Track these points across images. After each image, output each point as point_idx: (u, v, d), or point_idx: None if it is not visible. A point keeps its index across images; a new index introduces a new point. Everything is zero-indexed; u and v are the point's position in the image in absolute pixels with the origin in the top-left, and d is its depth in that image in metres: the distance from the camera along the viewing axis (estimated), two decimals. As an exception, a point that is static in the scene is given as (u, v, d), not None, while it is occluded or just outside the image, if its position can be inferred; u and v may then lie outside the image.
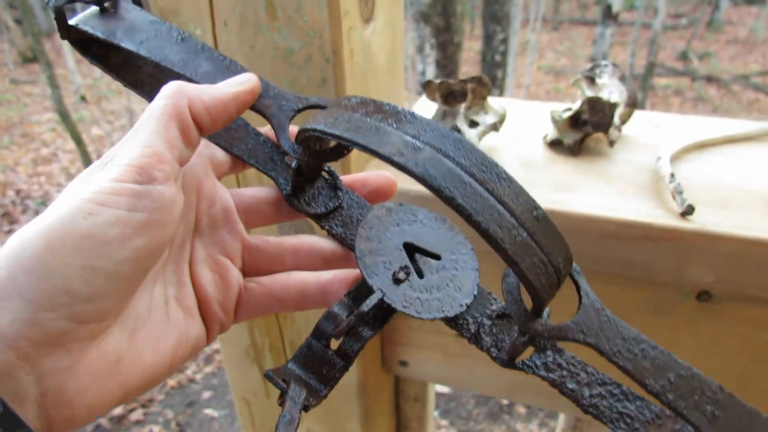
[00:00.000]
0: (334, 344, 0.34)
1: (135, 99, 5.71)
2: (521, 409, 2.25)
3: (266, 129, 0.40)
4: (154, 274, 0.32)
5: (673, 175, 0.49)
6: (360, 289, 0.34)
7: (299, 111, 0.36)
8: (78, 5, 0.36)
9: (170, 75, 0.34)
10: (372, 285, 0.33)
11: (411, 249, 0.36)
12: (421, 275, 0.35)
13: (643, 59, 8.39)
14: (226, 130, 0.38)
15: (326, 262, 0.37)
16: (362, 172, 0.41)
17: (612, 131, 0.57)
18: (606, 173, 0.54)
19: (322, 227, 0.38)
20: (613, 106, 0.55)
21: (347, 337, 0.34)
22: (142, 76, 0.39)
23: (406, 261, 0.36)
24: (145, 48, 0.35)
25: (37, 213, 4.35)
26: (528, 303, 0.30)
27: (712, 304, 0.50)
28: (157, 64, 0.35)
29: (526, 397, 0.62)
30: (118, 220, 0.26)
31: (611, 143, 0.57)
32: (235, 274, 0.36)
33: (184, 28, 0.49)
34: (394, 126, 0.28)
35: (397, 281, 0.34)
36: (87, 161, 4.19)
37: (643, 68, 7.74)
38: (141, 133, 0.28)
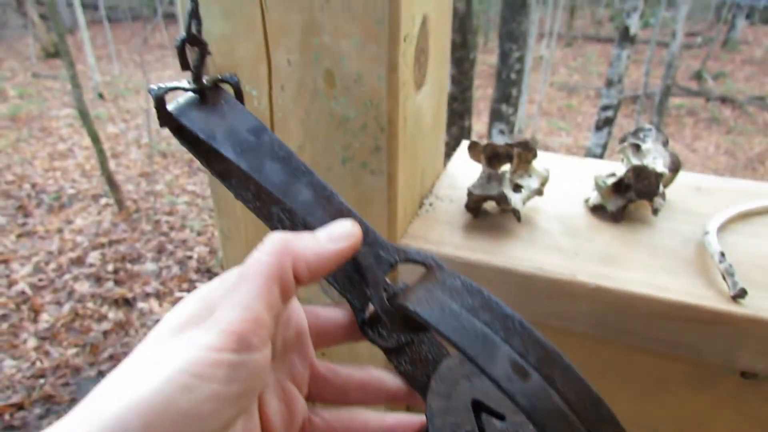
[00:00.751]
0: None
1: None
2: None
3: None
4: None
5: (723, 255, 0.49)
6: None
7: (397, 265, 0.35)
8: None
9: (263, 189, 0.34)
10: None
11: (478, 407, 0.35)
12: None
13: (657, 78, 8.38)
14: None
15: (390, 398, 0.37)
16: None
17: (656, 199, 0.57)
18: (651, 245, 0.54)
19: (391, 361, 0.37)
20: (659, 176, 0.55)
21: None
22: (231, 169, 0.38)
23: (473, 424, 0.34)
24: (245, 160, 0.34)
25: (50, 208, 4.40)
26: None
27: (758, 382, 0.50)
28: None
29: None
30: (215, 395, 0.25)
31: (655, 211, 0.57)
32: (301, 404, 0.34)
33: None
34: (502, 335, 0.27)
35: None
36: (102, 159, 4.22)
37: (656, 87, 7.72)
38: (242, 292, 0.27)
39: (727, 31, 12.69)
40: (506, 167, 0.59)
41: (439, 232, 0.55)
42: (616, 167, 0.61)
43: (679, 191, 0.63)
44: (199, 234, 4.23)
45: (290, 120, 0.50)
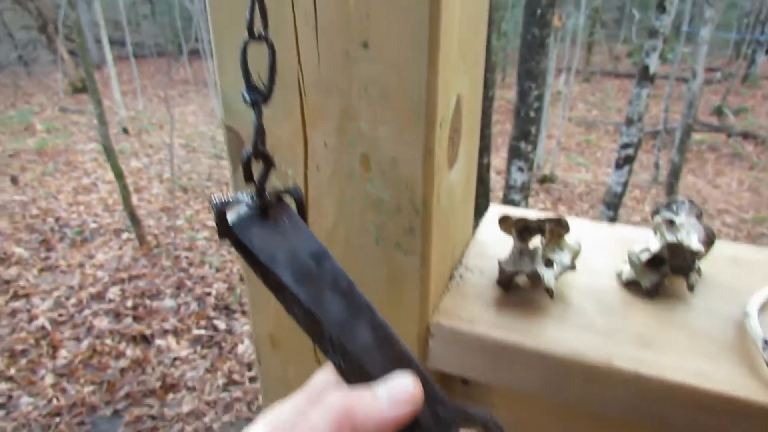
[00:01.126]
0: None
1: (174, 133, 5.85)
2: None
3: None
4: None
5: (766, 342, 0.47)
6: None
7: (457, 429, 0.33)
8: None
9: (318, 322, 0.32)
10: None
11: None
12: None
13: (675, 113, 8.35)
14: None
15: None
16: None
17: (692, 275, 0.56)
18: (688, 326, 0.52)
19: None
20: (695, 254, 0.54)
21: None
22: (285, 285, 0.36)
23: None
24: (304, 291, 0.32)
25: (73, 242, 4.46)
26: None
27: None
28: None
29: None
30: None
31: (691, 287, 0.56)
32: None
33: (277, 168, 0.50)
34: None
35: None
36: (125, 194, 4.28)
37: (676, 122, 7.69)
38: None
39: (747, 66, 12.67)
40: (537, 239, 0.58)
41: (471, 308, 0.55)
42: (648, 238, 0.60)
43: (715, 263, 0.62)
44: (218, 270, 4.25)
45: (324, 199, 0.50)
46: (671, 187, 5.13)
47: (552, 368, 0.49)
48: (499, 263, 0.56)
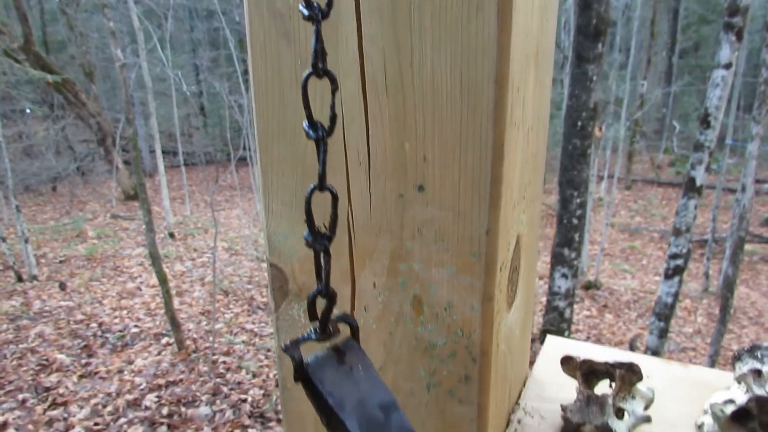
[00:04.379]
0: None
1: (218, 237, 5.99)
2: None
3: None
4: None
5: None
6: None
7: None
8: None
9: None
10: None
11: None
12: None
13: (723, 222, 8.16)
14: None
15: None
16: None
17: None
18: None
19: None
20: (788, 410, 0.48)
21: None
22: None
23: None
24: None
25: (114, 348, 4.47)
26: None
27: None
28: None
29: None
30: None
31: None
32: None
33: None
34: None
35: None
36: (167, 299, 4.32)
37: (723, 232, 7.49)
38: None
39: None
40: (604, 384, 0.53)
41: (533, 463, 0.49)
42: (729, 385, 0.54)
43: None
44: (254, 376, 4.17)
45: (372, 340, 0.47)
46: (726, 300, 4.92)
47: None
48: (564, 412, 0.51)
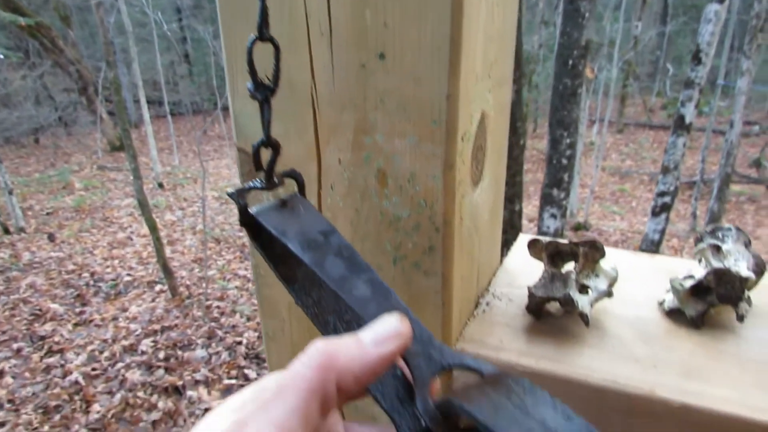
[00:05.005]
0: None
1: (207, 187, 5.96)
2: None
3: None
4: None
5: (828, 373, 0.42)
6: None
7: (451, 371, 0.32)
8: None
9: (323, 286, 0.34)
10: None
11: None
12: None
13: (712, 164, 8.20)
14: None
15: None
16: None
17: (741, 305, 0.51)
18: (739, 356, 0.48)
19: None
20: (743, 281, 0.50)
21: None
22: (297, 274, 0.38)
23: None
24: (309, 255, 0.34)
25: (107, 296, 4.51)
26: None
27: None
28: (315, 273, 0.34)
29: None
30: None
31: (740, 318, 0.51)
32: None
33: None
34: None
35: None
36: (159, 247, 4.34)
37: (712, 173, 7.53)
38: (278, 409, 0.25)
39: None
40: (570, 265, 0.54)
41: (498, 336, 0.51)
42: (691, 267, 0.56)
43: (766, 294, 0.57)
44: (248, 319, 4.23)
45: (339, 218, 0.48)
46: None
47: (588, 399, 0.45)
48: (529, 289, 0.52)
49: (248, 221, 0.37)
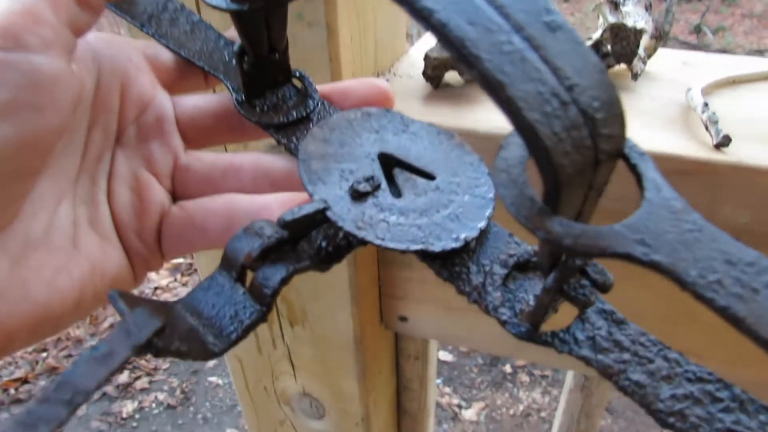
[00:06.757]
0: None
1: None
2: (525, 378, 2.22)
3: (230, 32, 0.34)
4: (58, 189, 0.25)
5: (706, 105, 0.43)
6: (307, 217, 0.24)
7: None
8: None
9: None
10: (312, 193, 0.24)
11: (390, 163, 0.28)
12: (398, 195, 0.26)
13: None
14: (176, 28, 0.32)
15: (276, 186, 0.29)
16: (346, 80, 0.35)
17: (636, 62, 0.51)
18: (630, 107, 0.48)
19: (279, 141, 0.30)
20: (638, 33, 0.50)
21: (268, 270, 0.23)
22: None
23: (377, 172, 0.27)
24: None
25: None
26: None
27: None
28: None
29: (537, 355, 0.58)
30: None
31: (635, 76, 0.51)
32: (157, 193, 0.28)
33: None
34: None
35: (357, 195, 0.25)
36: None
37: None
38: None
39: (727, -17, 12.43)
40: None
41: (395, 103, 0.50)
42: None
43: (663, 64, 0.57)
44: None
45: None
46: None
47: (487, 150, 0.45)
48: (426, 54, 0.51)
49: None
